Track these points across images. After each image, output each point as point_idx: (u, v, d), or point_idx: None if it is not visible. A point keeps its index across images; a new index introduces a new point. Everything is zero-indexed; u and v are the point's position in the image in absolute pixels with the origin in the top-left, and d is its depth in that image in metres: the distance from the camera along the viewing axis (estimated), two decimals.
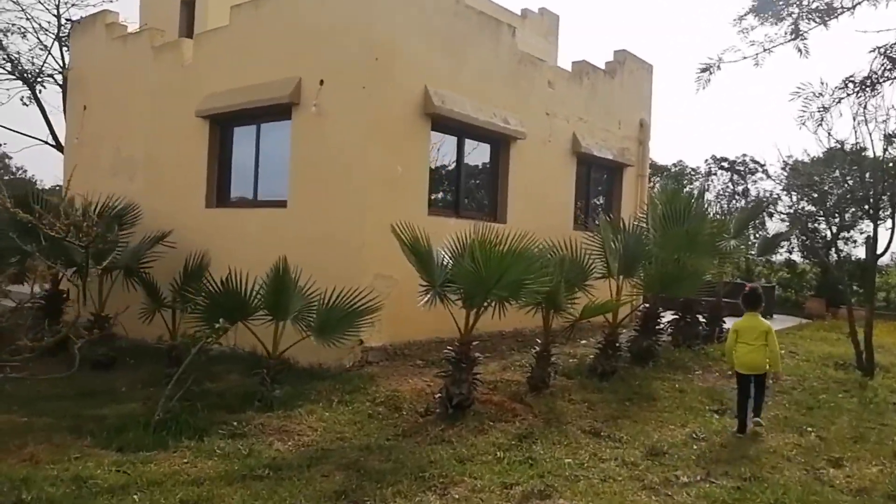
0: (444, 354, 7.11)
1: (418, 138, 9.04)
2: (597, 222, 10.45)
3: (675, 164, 24.80)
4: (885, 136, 9.56)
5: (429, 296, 6.64)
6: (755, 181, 22.08)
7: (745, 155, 21.70)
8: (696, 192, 11.03)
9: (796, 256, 22.94)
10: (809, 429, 7.12)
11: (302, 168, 9.04)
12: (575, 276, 8.84)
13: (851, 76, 5.52)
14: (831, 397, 8.54)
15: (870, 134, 9.61)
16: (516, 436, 6.30)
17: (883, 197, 10.06)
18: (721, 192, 23.38)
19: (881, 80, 5.43)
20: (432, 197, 9.67)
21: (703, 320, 12.07)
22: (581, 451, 6.01)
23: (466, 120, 9.51)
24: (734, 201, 22.97)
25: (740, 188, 23.11)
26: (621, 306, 8.34)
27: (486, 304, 6.82)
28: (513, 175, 10.76)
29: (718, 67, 5.60)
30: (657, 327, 10.36)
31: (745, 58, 5.59)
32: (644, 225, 10.33)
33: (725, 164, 23.95)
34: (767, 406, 7.39)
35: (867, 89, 5.48)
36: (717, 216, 11.78)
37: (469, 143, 10.30)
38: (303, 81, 8.94)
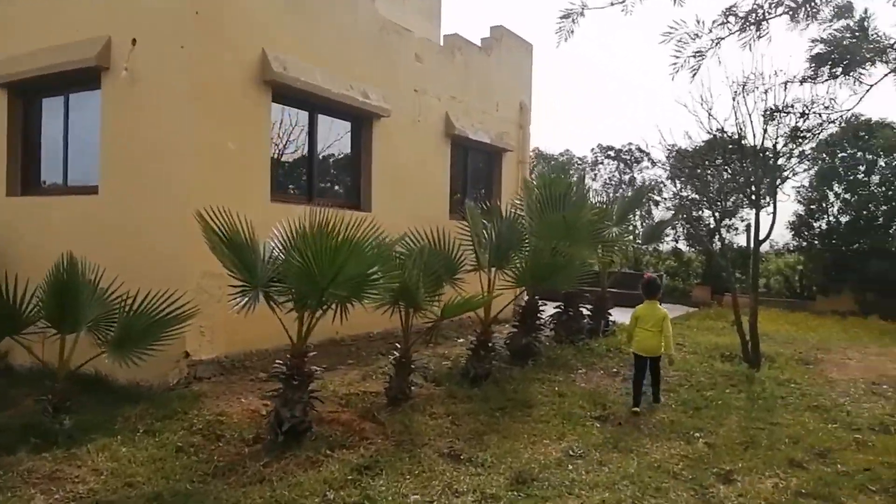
0: (272, 370, 5.83)
1: (256, 111, 7.70)
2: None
3: (561, 153, 24.40)
4: (764, 113, 9.01)
5: (247, 298, 5.35)
6: (641, 170, 21.95)
7: (630, 143, 21.49)
8: (576, 177, 10.22)
9: (682, 245, 22.97)
10: (697, 434, 6.34)
11: (113, 146, 7.51)
12: (443, 270, 7.81)
13: (733, 7, 4.67)
14: (719, 394, 7.87)
15: (749, 115, 9.06)
16: (356, 467, 5.12)
17: (763, 182, 9.57)
18: (608, 181, 23.15)
19: (767, 16, 4.62)
20: (278, 181, 8.35)
21: (588, 313, 11.35)
22: (434, 483, 4.91)
23: (317, 91, 8.24)
24: (621, 190, 22.76)
25: (627, 177, 22.94)
26: (488, 302, 7.27)
27: (323, 306, 5.60)
28: (377, 157, 9.59)
29: (582, 14, 4.62)
30: (538, 323, 9.49)
31: (612, 3, 4.63)
32: (521, 212, 9.41)
33: (612, 153, 23.74)
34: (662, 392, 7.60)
35: (751, 26, 4.64)
36: (601, 203, 10.96)
37: (326, 121, 9.04)
38: (112, 41, 7.40)
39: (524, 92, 13.41)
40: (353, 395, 6.96)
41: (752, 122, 9.16)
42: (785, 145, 8.74)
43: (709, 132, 9.78)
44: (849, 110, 6.89)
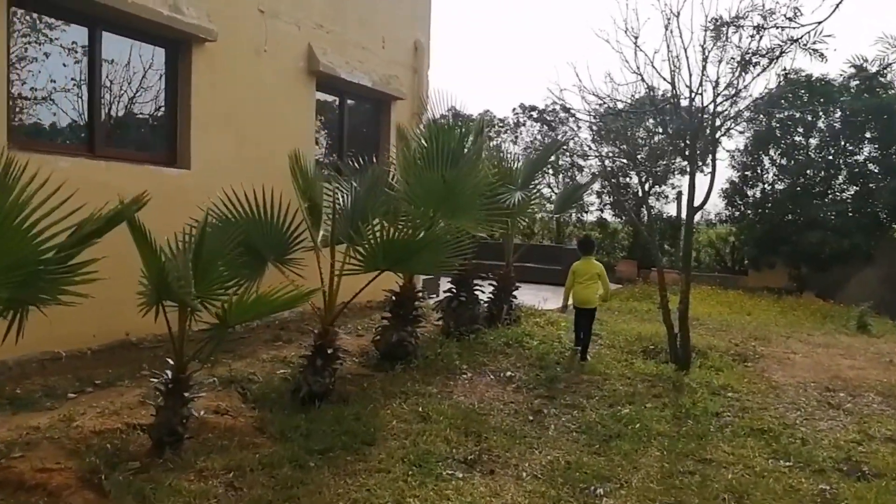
0: None
1: None
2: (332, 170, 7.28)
3: (481, 114, 22.22)
4: (707, 27, 6.99)
5: None
6: (566, 132, 20.02)
7: (555, 103, 19.50)
8: (473, 127, 8.07)
9: (608, 215, 21.24)
10: (600, 490, 4.36)
11: None
12: (268, 249, 5.62)
13: None
14: (638, 411, 5.95)
15: (685, 49, 7.09)
16: None
17: (701, 136, 7.64)
18: (529, 145, 21.13)
19: None
20: (28, 120, 5.93)
21: (491, 296, 9.32)
22: None
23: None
24: (530, 148, 20.75)
25: (550, 140, 20.94)
26: (302, 298, 4.89)
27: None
28: (200, 96, 7.20)
29: None
30: (414, 314, 7.38)
31: None
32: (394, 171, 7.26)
33: (535, 114, 21.69)
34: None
35: None
36: (504, 163, 8.87)
37: (119, 43, 6.61)
38: None
39: (420, 29, 11.12)
40: (105, 432, 4.68)
41: (687, 57, 7.17)
42: (730, 84, 6.78)
43: (635, 71, 7.76)
44: (819, 23, 4.98)
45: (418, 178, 6.79)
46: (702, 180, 7.55)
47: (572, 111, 8.47)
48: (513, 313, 9.47)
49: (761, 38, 5.63)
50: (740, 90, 7.20)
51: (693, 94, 7.43)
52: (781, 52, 5.24)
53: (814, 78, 16.63)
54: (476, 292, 8.78)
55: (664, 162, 17.00)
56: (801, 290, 16.82)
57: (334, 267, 5.68)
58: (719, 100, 7.28)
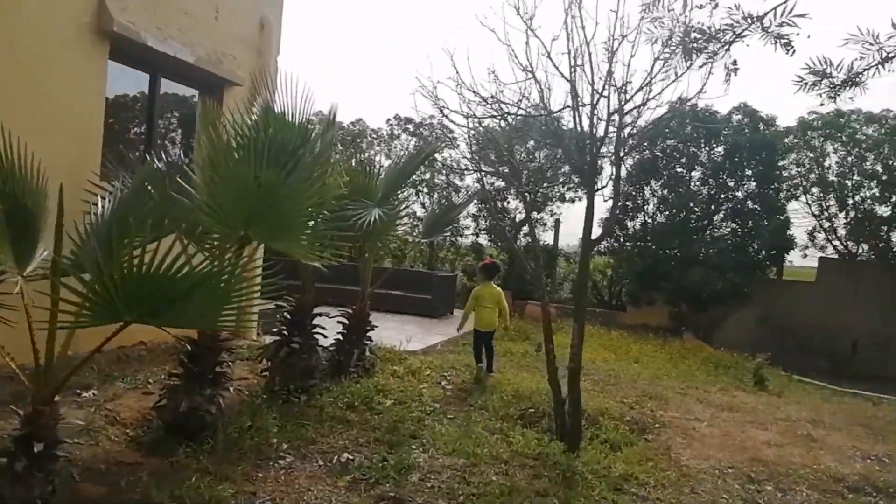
0: None
1: None
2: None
3: (353, 123, 20.23)
4: (609, 53, 5.50)
5: None
6: (442, 149, 18.41)
7: (433, 116, 17.88)
8: (319, 122, 6.13)
9: (483, 240, 19.75)
10: None
11: None
12: None
13: None
14: None
15: (587, 41, 5.51)
16: None
17: (599, 150, 6.08)
18: (400, 155, 19.26)
19: None
20: None
21: (339, 337, 7.36)
22: None
23: None
24: (391, 159, 19.03)
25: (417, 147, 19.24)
26: None
27: None
28: None
29: None
30: (218, 369, 5.28)
31: None
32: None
33: (411, 127, 19.91)
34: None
35: None
36: (360, 174, 6.96)
37: None
38: None
39: (270, 4, 9.06)
40: None
41: (589, 48, 5.58)
42: (648, 83, 5.24)
43: (525, 69, 6.10)
44: None
45: (227, 181, 4.74)
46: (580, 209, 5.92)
47: (446, 112, 6.54)
48: (366, 360, 7.54)
49: (715, 6, 4.07)
50: (661, 91, 5.68)
51: (597, 98, 5.87)
52: (736, 37, 3.73)
53: (699, 108, 15.94)
54: (317, 334, 6.78)
55: (547, 185, 15.71)
56: (680, 330, 15.97)
57: (56, 312, 3.51)
58: (635, 100, 5.75)
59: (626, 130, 6.11)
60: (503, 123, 6.66)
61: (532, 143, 14.42)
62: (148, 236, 3.81)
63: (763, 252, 16.55)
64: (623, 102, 5.87)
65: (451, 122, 6.71)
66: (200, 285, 3.25)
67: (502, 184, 18.35)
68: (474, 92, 6.44)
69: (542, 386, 7.41)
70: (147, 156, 5.94)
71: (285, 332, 6.53)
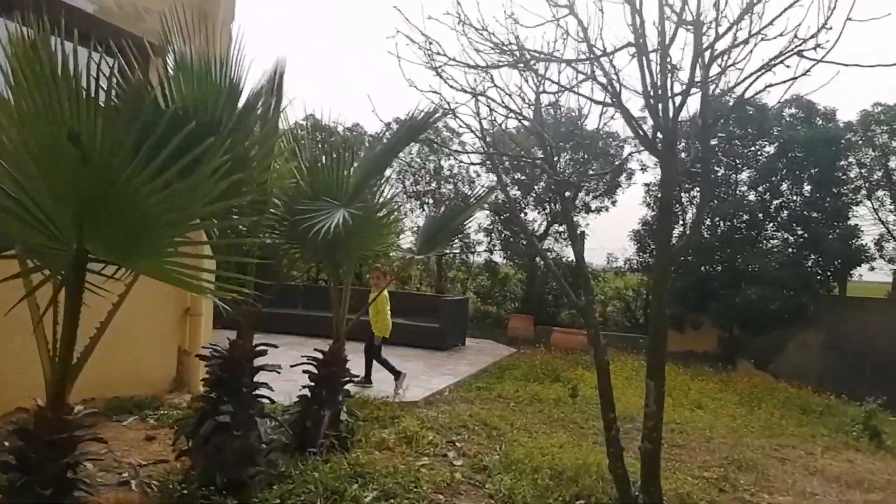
0: None
1: None
2: None
3: (350, 128, 18.15)
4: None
5: None
6: (448, 156, 16.32)
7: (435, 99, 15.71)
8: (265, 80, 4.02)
9: (498, 257, 17.49)
10: None
11: None
12: None
13: None
14: None
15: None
16: None
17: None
18: (408, 165, 17.06)
19: None
20: None
21: (306, 393, 5.15)
22: None
23: None
24: (431, 180, 16.81)
25: (432, 165, 17.05)
26: None
27: None
28: None
29: None
30: (64, 473, 3.09)
31: None
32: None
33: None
34: None
35: None
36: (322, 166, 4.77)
37: None
38: None
39: None
40: None
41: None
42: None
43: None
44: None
45: (39, 155, 2.61)
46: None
47: (447, 63, 4.34)
48: (343, 425, 5.33)
49: None
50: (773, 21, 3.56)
51: (673, 29, 3.78)
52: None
53: (746, 98, 13.68)
54: (260, 398, 4.58)
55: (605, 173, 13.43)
56: (732, 356, 13.64)
57: None
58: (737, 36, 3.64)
59: (718, 83, 4.02)
60: (529, 77, 4.49)
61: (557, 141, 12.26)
62: None
63: (825, 266, 14.21)
64: (718, 36, 3.77)
65: (451, 85, 4.39)
66: None
67: (518, 192, 16.21)
68: (486, 31, 4.29)
69: (591, 458, 5.23)
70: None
71: (212, 397, 4.34)
